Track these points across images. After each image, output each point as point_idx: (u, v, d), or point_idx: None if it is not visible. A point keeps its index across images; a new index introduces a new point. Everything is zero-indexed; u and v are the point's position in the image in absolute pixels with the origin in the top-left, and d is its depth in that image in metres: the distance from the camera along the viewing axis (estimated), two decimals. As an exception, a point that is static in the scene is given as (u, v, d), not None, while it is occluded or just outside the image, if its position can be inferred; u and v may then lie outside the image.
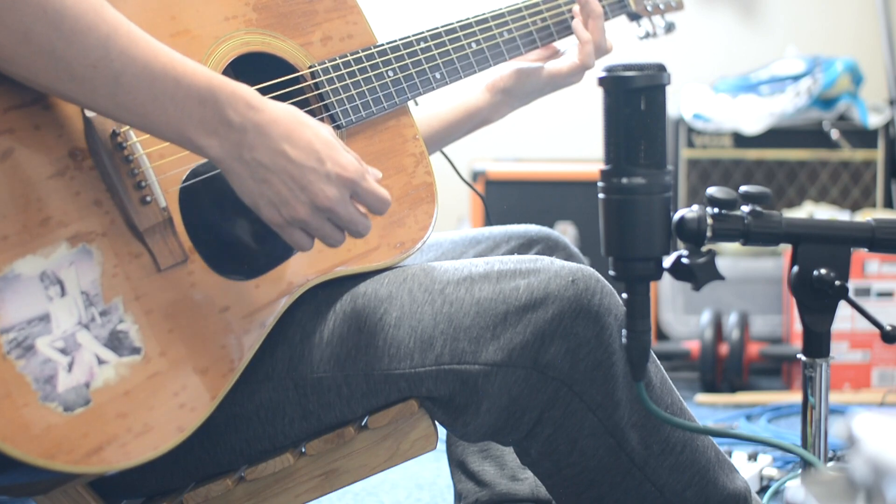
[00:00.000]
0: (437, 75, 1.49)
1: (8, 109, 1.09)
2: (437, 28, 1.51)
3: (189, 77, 1.13)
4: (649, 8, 1.79)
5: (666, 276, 1.09)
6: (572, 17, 1.68)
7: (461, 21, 1.54)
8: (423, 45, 1.48)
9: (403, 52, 1.46)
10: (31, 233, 1.08)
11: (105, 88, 1.09)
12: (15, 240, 1.06)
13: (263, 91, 1.34)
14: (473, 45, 1.54)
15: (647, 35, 1.82)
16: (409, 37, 1.47)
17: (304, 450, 1.30)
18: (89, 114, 1.15)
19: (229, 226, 1.25)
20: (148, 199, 1.17)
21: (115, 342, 1.11)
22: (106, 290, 1.12)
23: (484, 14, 1.58)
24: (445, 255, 1.61)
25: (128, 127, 1.17)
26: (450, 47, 1.51)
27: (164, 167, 1.20)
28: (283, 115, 1.17)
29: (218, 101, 1.13)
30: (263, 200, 1.17)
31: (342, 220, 1.20)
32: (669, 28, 1.81)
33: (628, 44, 1.91)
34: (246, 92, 1.15)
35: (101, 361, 1.10)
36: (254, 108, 1.15)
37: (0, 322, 1.04)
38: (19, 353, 1.04)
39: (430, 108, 1.68)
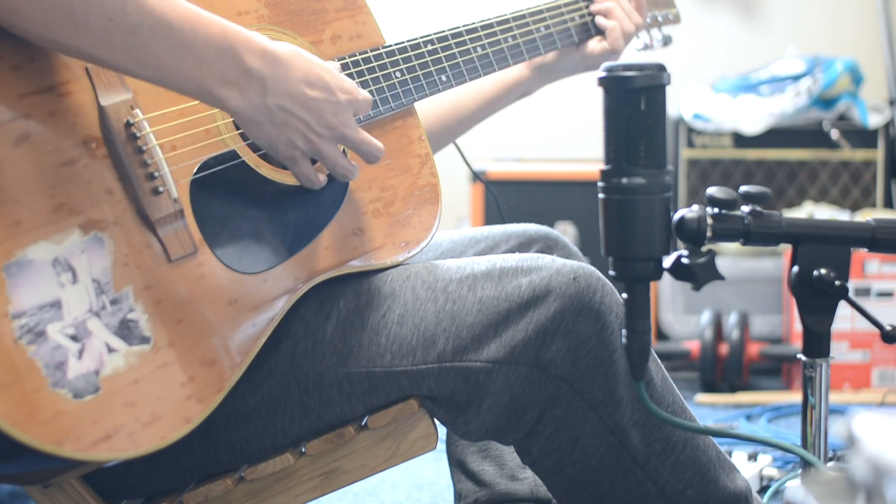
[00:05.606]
0: (443, 77, 1.50)
1: (24, 95, 1.10)
2: (443, 31, 1.53)
3: (205, 26, 1.14)
4: (648, 20, 1.82)
5: (666, 276, 1.09)
6: (576, 26, 1.71)
7: (467, 25, 1.56)
8: (430, 47, 1.50)
9: (411, 53, 1.47)
10: (44, 219, 1.08)
11: (123, 43, 1.10)
12: (28, 225, 1.07)
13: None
14: (479, 49, 1.56)
15: (646, 47, 1.87)
16: (416, 39, 1.49)
17: (304, 450, 1.30)
18: (104, 102, 1.15)
19: (239, 219, 1.26)
20: (160, 189, 1.17)
21: (125, 331, 1.11)
22: (117, 279, 1.12)
23: (489, 20, 1.60)
24: (445, 254, 1.61)
25: (142, 117, 1.18)
26: (456, 51, 1.53)
27: (176, 158, 1.21)
28: (294, 56, 1.21)
29: (235, 50, 1.15)
30: (282, 140, 1.22)
31: (354, 142, 1.28)
32: (667, 41, 1.88)
33: (627, 51, 1.92)
34: (259, 39, 1.18)
35: (110, 349, 1.10)
36: (268, 54, 1.18)
37: (12, 307, 1.04)
38: (30, 338, 1.04)
39: (470, 85, 1.72)
